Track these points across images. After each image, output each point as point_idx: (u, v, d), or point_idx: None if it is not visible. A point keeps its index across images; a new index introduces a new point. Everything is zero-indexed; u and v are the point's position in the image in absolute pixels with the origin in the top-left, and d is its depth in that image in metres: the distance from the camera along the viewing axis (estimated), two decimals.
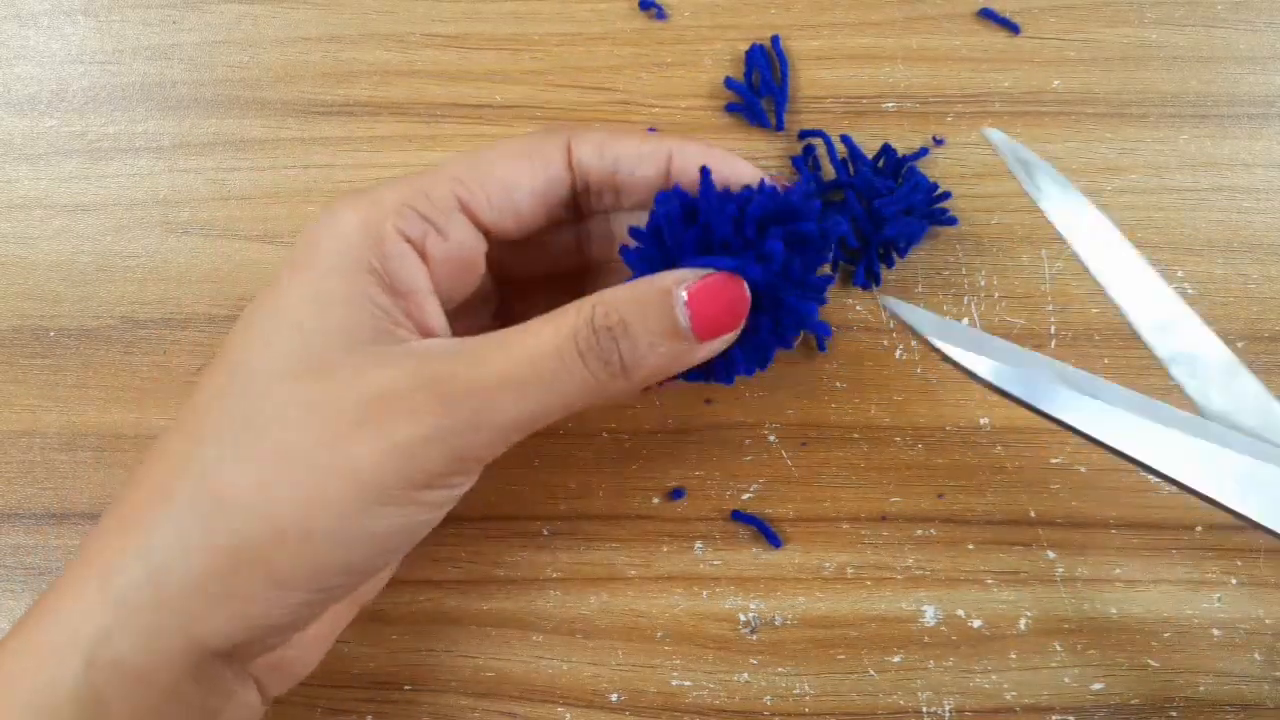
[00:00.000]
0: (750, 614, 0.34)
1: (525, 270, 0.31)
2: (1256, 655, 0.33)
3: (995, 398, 0.35)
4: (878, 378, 0.35)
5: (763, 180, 0.27)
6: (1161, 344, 0.28)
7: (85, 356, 0.36)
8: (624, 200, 0.29)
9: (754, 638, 0.34)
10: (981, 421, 0.35)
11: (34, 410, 0.36)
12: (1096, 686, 0.33)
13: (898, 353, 0.35)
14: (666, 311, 0.24)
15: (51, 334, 0.36)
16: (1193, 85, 0.37)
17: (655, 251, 0.27)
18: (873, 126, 0.37)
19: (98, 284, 0.37)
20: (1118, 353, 0.35)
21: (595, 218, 0.30)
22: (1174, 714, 0.33)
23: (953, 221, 0.35)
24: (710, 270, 0.25)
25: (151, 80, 0.38)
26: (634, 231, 0.27)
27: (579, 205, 0.29)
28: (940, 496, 0.34)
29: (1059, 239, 0.36)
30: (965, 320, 0.35)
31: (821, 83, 0.37)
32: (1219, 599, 0.34)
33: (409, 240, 0.26)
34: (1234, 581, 0.34)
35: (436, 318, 0.26)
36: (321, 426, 0.23)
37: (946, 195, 0.35)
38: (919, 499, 0.34)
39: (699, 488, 0.35)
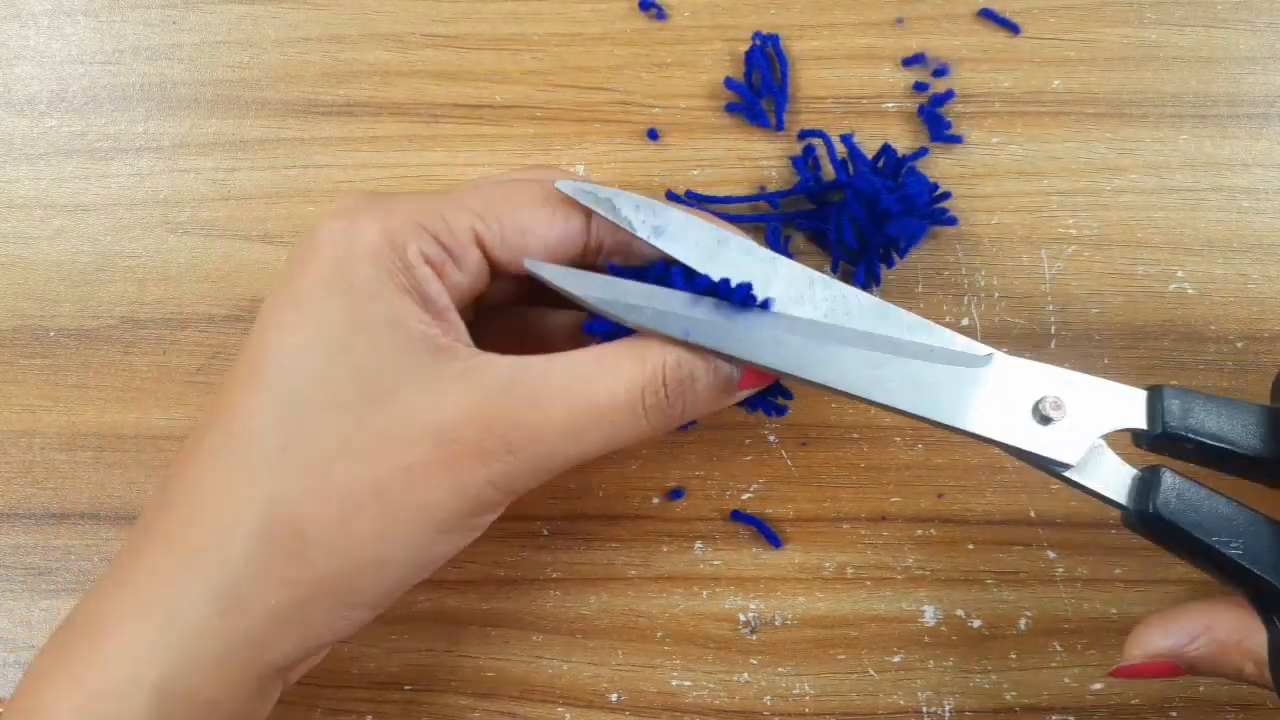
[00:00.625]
0: (750, 614, 0.34)
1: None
2: None
3: None
4: None
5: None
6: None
7: (85, 356, 0.36)
8: (631, 261, 0.29)
9: (754, 638, 0.34)
10: None
11: (34, 410, 0.36)
12: (1096, 686, 0.33)
13: None
14: (724, 363, 0.26)
15: (51, 334, 0.36)
16: (1193, 85, 0.37)
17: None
18: (873, 126, 0.37)
19: (98, 284, 0.37)
20: (1118, 353, 0.35)
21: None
22: (1174, 714, 0.33)
23: (953, 221, 0.35)
24: None
25: (151, 80, 0.38)
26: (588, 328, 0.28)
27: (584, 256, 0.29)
28: (940, 496, 0.34)
29: (1059, 239, 0.36)
30: (965, 320, 0.35)
31: (821, 83, 0.37)
32: None
33: (429, 263, 0.26)
34: None
35: (464, 336, 0.26)
36: (391, 463, 0.24)
37: (947, 195, 0.35)
38: (919, 499, 0.34)
39: (699, 488, 0.35)
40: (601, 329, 0.27)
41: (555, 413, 0.25)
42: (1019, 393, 0.26)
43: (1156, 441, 0.27)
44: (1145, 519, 0.26)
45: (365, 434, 0.24)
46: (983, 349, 0.27)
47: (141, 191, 0.37)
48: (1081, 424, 0.26)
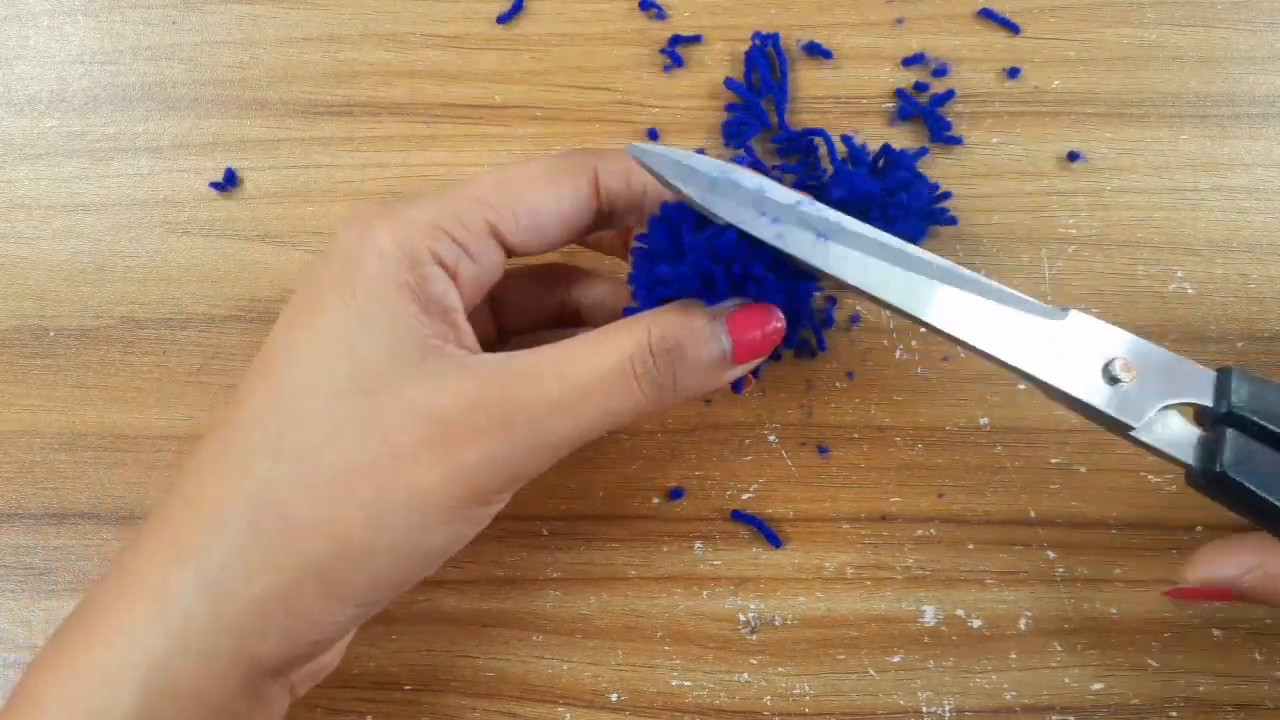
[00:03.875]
0: (750, 614, 0.34)
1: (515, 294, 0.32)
2: (1256, 655, 0.33)
3: (996, 398, 0.35)
4: (878, 378, 0.35)
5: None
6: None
7: (85, 356, 0.36)
8: (645, 217, 0.29)
9: (754, 638, 0.34)
10: (981, 421, 0.35)
11: (34, 410, 0.36)
12: (1096, 686, 0.33)
13: (898, 353, 0.35)
14: (715, 336, 0.26)
15: (51, 334, 0.36)
16: (1193, 85, 0.37)
17: (654, 268, 0.27)
18: (873, 126, 0.37)
19: (98, 284, 0.37)
20: None
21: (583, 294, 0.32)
22: (1174, 714, 0.33)
23: (953, 221, 0.35)
24: (742, 300, 0.27)
25: (151, 80, 0.38)
26: (636, 251, 0.28)
27: (597, 224, 0.30)
28: (940, 496, 0.34)
29: (1059, 239, 0.36)
30: None
31: (821, 83, 0.37)
32: None
33: (441, 263, 0.26)
34: None
35: (470, 336, 0.27)
36: (381, 445, 0.24)
37: (947, 195, 0.35)
38: (919, 499, 0.34)
39: (699, 488, 0.35)
40: (639, 270, 0.27)
41: (548, 387, 0.25)
42: (1092, 351, 0.27)
43: (1220, 421, 0.27)
44: (1211, 477, 0.26)
45: (358, 420, 0.24)
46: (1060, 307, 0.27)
47: (141, 191, 0.37)
48: (1149, 390, 0.27)
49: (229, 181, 0.37)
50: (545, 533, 0.35)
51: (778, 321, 0.27)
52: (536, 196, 0.27)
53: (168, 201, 0.37)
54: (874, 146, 0.36)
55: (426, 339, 0.25)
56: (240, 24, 0.38)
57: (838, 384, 0.35)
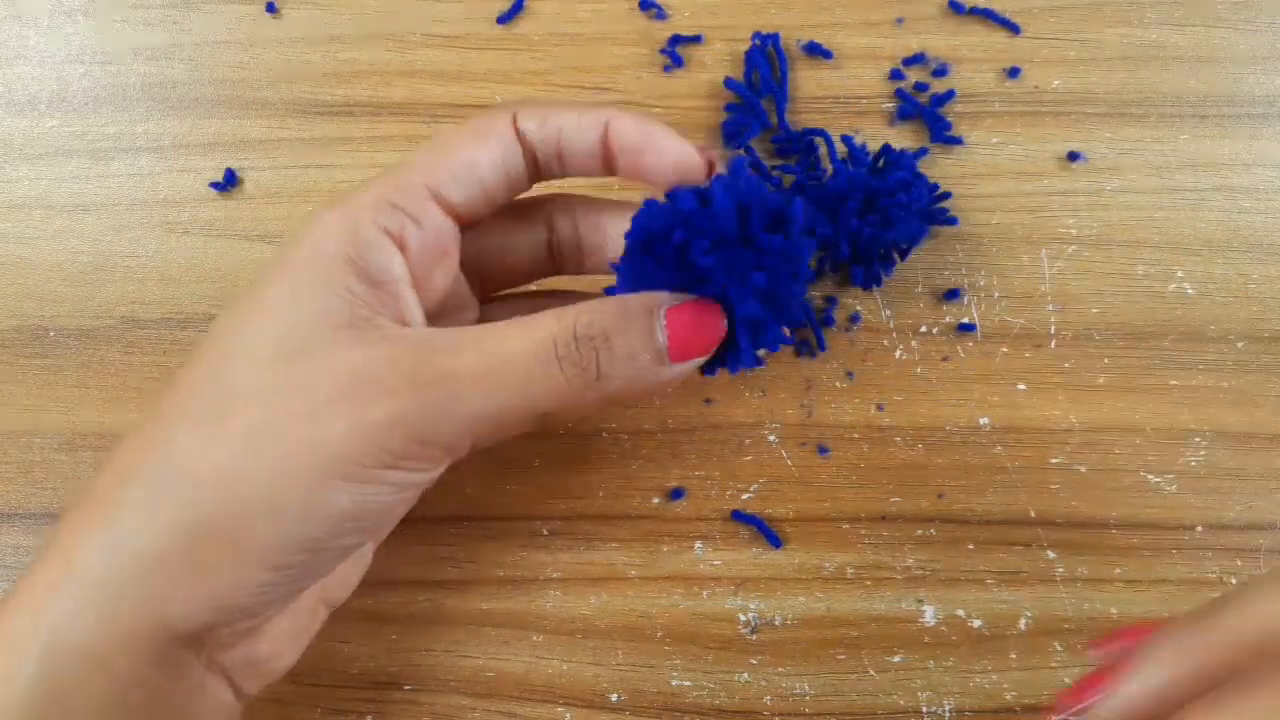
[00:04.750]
0: (750, 614, 0.34)
1: (500, 278, 0.32)
2: None
3: (996, 398, 0.35)
4: (878, 378, 0.35)
5: (718, 178, 0.27)
6: None
7: (85, 356, 0.36)
8: (569, 169, 0.29)
9: (754, 638, 0.34)
10: (981, 421, 0.35)
11: (34, 410, 0.36)
12: None
13: (898, 353, 0.35)
14: (648, 330, 0.25)
15: (51, 334, 0.36)
16: (1193, 85, 0.37)
17: (639, 267, 0.27)
18: (872, 126, 0.37)
19: (98, 284, 0.37)
20: (1118, 352, 0.35)
21: (561, 220, 0.31)
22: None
23: (953, 221, 0.35)
24: (689, 297, 0.26)
25: (151, 80, 0.38)
26: (628, 243, 0.27)
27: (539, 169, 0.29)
28: (940, 496, 0.34)
29: (1059, 239, 0.36)
30: (965, 320, 0.35)
31: (821, 83, 0.37)
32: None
33: (387, 233, 0.26)
34: (1234, 581, 0.34)
35: (414, 310, 0.27)
36: (294, 404, 0.24)
37: (947, 195, 0.35)
38: (919, 499, 0.34)
39: (699, 488, 0.35)
40: (623, 268, 0.27)
41: (465, 357, 0.24)
42: None
43: None
44: None
45: (274, 384, 0.24)
46: None
47: (141, 191, 0.37)
48: None
49: (229, 181, 0.37)
50: (545, 533, 0.35)
51: (718, 320, 0.26)
52: (465, 151, 0.27)
53: (168, 201, 0.37)
54: (874, 146, 0.36)
55: (357, 309, 0.25)
56: (240, 24, 0.38)
57: (838, 384, 0.35)
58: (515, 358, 0.25)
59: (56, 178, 0.37)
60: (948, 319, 0.35)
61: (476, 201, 0.28)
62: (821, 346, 0.35)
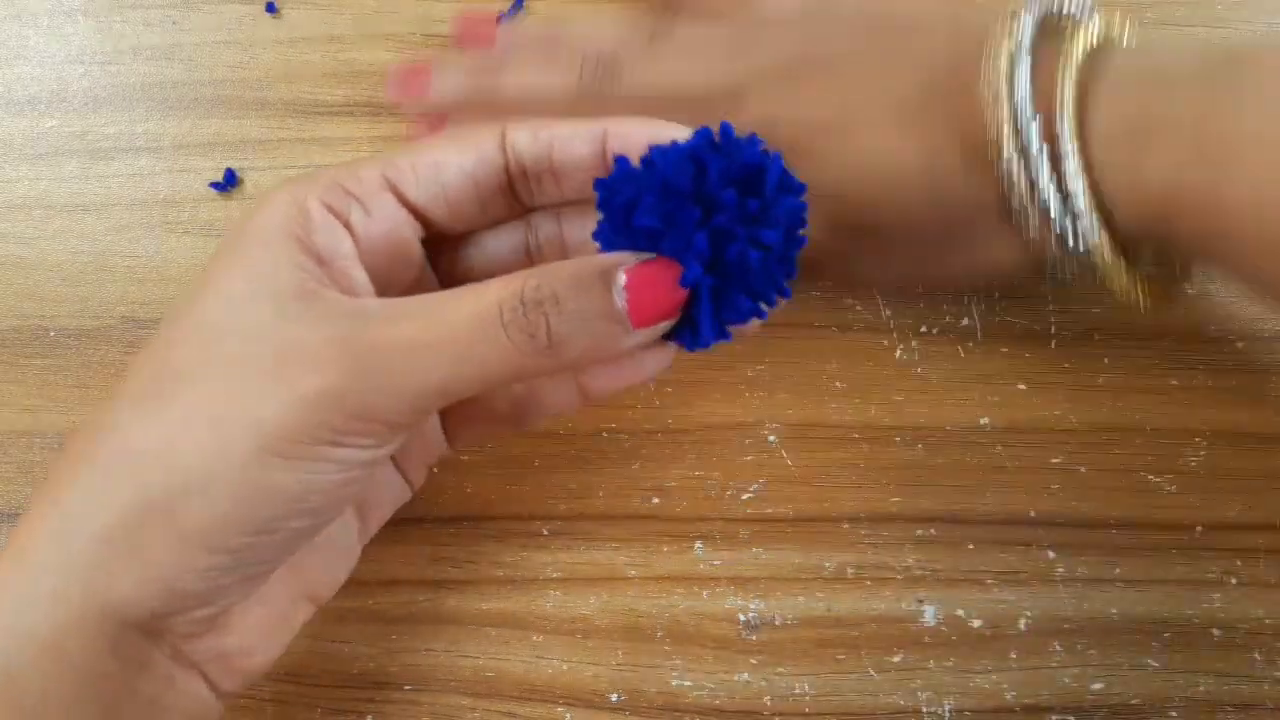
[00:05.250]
0: (750, 614, 0.34)
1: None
2: (1256, 655, 0.33)
3: (996, 398, 0.35)
4: (878, 378, 0.35)
5: (705, 130, 0.24)
6: None
7: (85, 356, 0.36)
8: (564, 186, 0.28)
9: (754, 638, 0.34)
10: (981, 421, 0.35)
11: (34, 410, 0.36)
12: (1096, 686, 0.33)
13: (898, 353, 0.35)
14: (603, 292, 0.23)
15: (51, 334, 0.36)
16: None
17: (608, 235, 0.25)
18: None
19: (98, 284, 0.37)
20: (1117, 352, 0.35)
21: (543, 221, 0.30)
22: (1174, 714, 0.33)
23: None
24: (650, 255, 0.24)
25: (151, 80, 0.38)
26: (600, 205, 0.25)
27: (520, 198, 0.28)
28: (940, 496, 0.34)
29: None
30: (965, 320, 0.35)
31: None
32: (1219, 599, 0.34)
33: (334, 213, 0.26)
34: (1234, 581, 0.34)
35: (364, 286, 0.26)
36: (230, 381, 0.24)
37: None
38: (919, 499, 0.34)
39: (699, 488, 0.35)
40: (602, 235, 0.25)
41: (404, 325, 0.24)
42: None
43: None
44: None
45: (211, 360, 0.24)
46: None
47: (141, 191, 0.37)
48: None
49: (229, 181, 0.37)
50: (545, 533, 0.35)
51: (679, 279, 0.24)
52: (435, 153, 0.27)
53: (168, 201, 0.37)
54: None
55: (305, 282, 0.25)
56: (240, 24, 0.38)
57: (838, 384, 0.35)
58: (458, 325, 0.23)
59: (56, 178, 0.37)
60: (948, 319, 0.35)
61: (438, 203, 0.27)
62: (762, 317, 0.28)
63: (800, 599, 0.34)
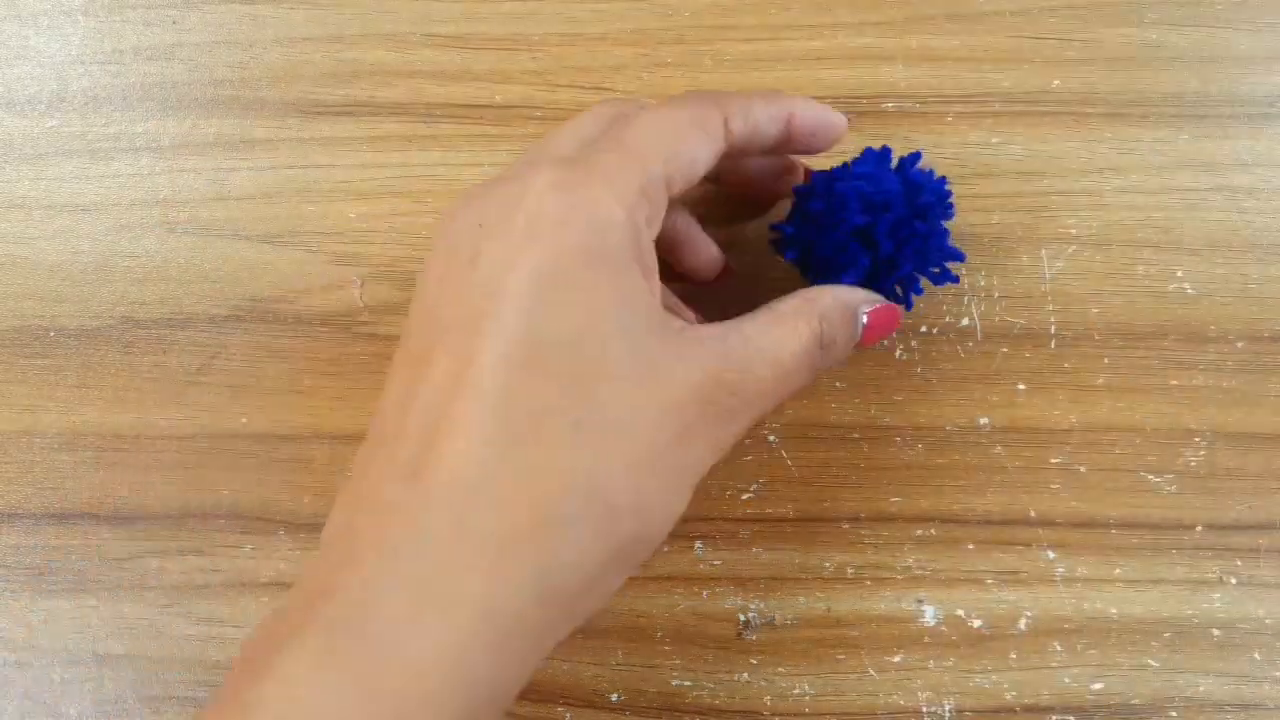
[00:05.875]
0: (750, 614, 0.34)
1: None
2: (1256, 655, 0.33)
3: (996, 398, 0.35)
4: (878, 378, 0.35)
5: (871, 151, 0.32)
6: None
7: (85, 356, 0.36)
8: (747, 155, 0.30)
9: (754, 638, 0.34)
10: (981, 421, 0.35)
11: (34, 410, 0.36)
12: (1096, 686, 0.33)
13: (898, 353, 0.35)
14: (856, 329, 0.29)
15: (51, 334, 0.36)
16: (1193, 85, 0.37)
17: (802, 240, 0.31)
18: (872, 127, 0.37)
19: (98, 284, 0.37)
20: (1117, 353, 0.35)
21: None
22: (1174, 714, 0.33)
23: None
24: (882, 300, 0.30)
25: (151, 80, 0.38)
26: (782, 227, 0.32)
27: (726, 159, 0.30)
28: (940, 496, 0.34)
29: (1059, 239, 0.36)
30: (965, 320, 0.35)
31: (821, 83, 0.37)
32: (1219, 599, 0.34)
33: (649, 226, 0.26)
34: (1234, 581, 0.34)
35: (667, 295, 0.29)
36: (668, 427, 0.25)
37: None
38: (919, 499, 0.34)
39: (699, 487, 0.35)
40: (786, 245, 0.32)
41: (764, 376, 0.26)
42: None
43: None
44: None
45: (648, 406, 0.25)
46: None
47: (141, 191, 0.37)
48: None
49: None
50: None
51: (900, 317, 0.30)
52: (691, 149, 0.27)
53: (168, 201, 0.37)
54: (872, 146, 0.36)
55: (662, 311, 0.26)
56: (240, 24, 0.38)
57: (838, 384, 0.35)
58: (792, 369, 0.27)
59: (56, 178, 0.37)
60: (948, 319, 0.35)
61: (687, 189, 0.28)
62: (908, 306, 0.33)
63: (800, 599, 0.34)
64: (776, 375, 0.27)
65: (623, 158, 0.26)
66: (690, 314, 0.31)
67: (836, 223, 0.30)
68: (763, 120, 0.29)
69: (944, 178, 0.32)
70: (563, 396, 0.24)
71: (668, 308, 0.27)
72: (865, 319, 0.29)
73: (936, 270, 0.32)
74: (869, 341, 0.30)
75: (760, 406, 0.27)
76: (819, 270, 0.32)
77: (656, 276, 0.26)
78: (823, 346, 0.28)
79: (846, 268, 0.31)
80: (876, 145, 0.36)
